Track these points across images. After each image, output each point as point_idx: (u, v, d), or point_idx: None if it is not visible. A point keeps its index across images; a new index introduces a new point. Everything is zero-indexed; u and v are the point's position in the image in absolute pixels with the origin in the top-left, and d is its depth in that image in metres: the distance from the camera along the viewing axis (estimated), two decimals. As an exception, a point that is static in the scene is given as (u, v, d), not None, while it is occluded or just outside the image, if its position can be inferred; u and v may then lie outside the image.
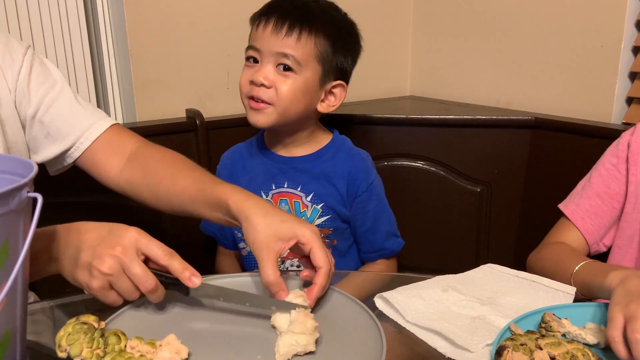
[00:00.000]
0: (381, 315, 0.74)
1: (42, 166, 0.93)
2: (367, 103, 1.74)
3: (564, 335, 0.67)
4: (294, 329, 0.65)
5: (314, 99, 1.08)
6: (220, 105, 1.50)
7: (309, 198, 1.12)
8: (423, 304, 0.75)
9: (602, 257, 0.99)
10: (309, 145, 1.14)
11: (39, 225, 0.54)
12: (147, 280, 0.67)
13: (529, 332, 0.66)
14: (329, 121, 1.49)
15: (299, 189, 1.12)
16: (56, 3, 1.33)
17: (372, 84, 1.79)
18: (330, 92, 1.10)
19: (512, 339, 0.63)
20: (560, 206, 1.03)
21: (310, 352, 0.64)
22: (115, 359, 0.59)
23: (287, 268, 1.14)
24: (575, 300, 0.77)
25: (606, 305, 0.71)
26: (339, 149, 1.15)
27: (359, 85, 1.76)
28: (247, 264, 1.20)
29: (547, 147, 1.39)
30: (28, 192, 0.54)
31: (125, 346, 0.62)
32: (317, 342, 0.65)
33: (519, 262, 1.04)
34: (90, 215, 0.74)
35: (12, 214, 0.53)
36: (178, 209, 0.87)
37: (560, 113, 1.43)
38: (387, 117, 1.50)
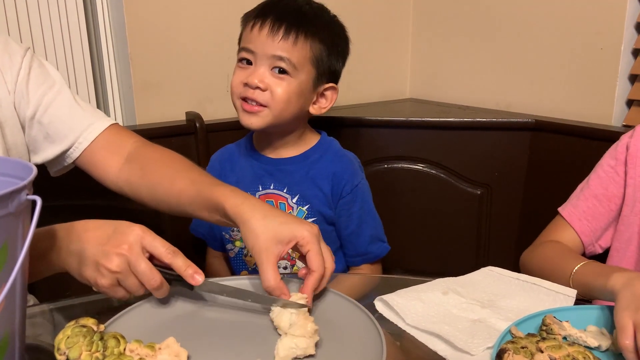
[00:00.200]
0: (381, 318, 0.74)
1: (41, 168, 0.93)
2: (367, 106, 1.74)
3: (564, 338, 0.67)
4: (293, 331, 0.64)
5: (307, 101, 1.09)
6: (220, 108, 1.50)
7: (294, 200, 1.12)
8: (423, 306, 0.75)
9: (598, 258, 0.98)
10: (297, 146, 1.15)
11: (38, 227, 0.54)
12: (153, 278, 0.67)
13: (529, 335, 0.66)
14: (329, 124, 1.49)
15: (285, 191, 1.12)
16: (56, 6, 1.33)
17: (372, 86, 1.79)
18: (322, 95, 1.12)
19: (512, 342, 0.63)
20: (559, 209, 1.03)
21: (310, 356, 0.64)
22: (114, 362, 0.59)
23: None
24: (576, 303, 0.76)
25: (608, 309, 0.71)
26: (326, 151, 1.15)
27: (359, 88, 1.77)
28: (235, 265, 1.20)
29: (547, 149, 1.39)
30: (27, 194, 0.54)
31: (125, 349, 0.62)
32: (317, 345, 0.65)
33: (519, 264, 1.03)
34: (89, 217, 0.74)
35: (11, 217, 0.53)
36: (176, 209, 0.87)
37: (560, 115, 1.43)
38: (387, 120, 1.50)
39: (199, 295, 0.75)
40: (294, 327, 0.65)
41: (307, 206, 1.12)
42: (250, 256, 1.16)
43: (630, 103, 1.35)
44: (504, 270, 0.85)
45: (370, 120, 1.51)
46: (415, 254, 1.55)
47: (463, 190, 1.49)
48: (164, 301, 0.73)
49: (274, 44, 1.02)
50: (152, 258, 0.69)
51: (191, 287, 0.71)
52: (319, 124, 1.45)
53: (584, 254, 0.99)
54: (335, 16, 1.14)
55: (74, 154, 0.92)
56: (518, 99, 1.55)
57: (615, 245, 0.97)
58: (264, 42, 1.03)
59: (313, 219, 1.12)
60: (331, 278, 0.76)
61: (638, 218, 0.94)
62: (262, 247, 0.71)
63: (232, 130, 1.28)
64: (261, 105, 1.04)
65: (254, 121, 1.05)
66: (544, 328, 0.67)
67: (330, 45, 1.08)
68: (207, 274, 0.71)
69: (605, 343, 0.67)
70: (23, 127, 0.89)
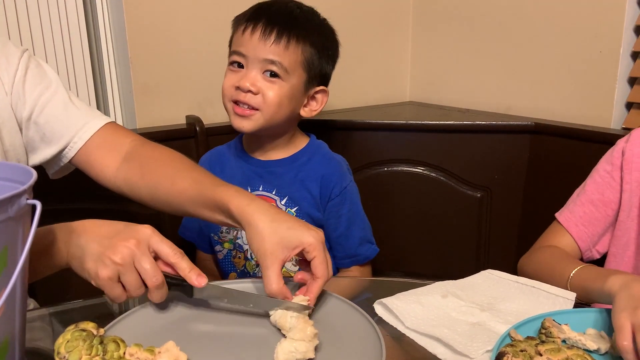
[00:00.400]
0: (380, 322, 0.74)
1: (41, 172, 0.93)
2: (367, 109, 1.74)
3: (564, 341, 0.67)
4: (293, 335, 0.64)
5: (298, 104, 1.10)
6: (220, 111, 1.48)
7: (283, 201, 1.12)
8: (422, 310, 0.75)
9: (596, 263, 0.98)
10: (287, 149, 1.15)
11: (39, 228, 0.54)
12: (155, 275, 0.67)
13: (528, 338, 0.66)
14: (329, 127, 1.50)
15: (274, 192, 1.13)
16: (57, 10, 1.34)
17: (371, 89, 1.80)
18: (313, 97, 1.12)
19: (512, 345, 0.63)
20: (556, 214, 1.03)
21: (310, 359, 0.64)
22: (114, 366, 0.59)
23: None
24: (575, 306, 0.76)
25: (607, 312, 0.71)
26: (314, 153, 1.16)
27: (359, 91, 1.77)
28: (224, 266, 1.20)
29: (547, 152, 1.39)
30: (27, 199, 0.54)
31: (124, 353, 0.62)
32: (316, 349, 0.65)
33: (517, 269, 1.03)
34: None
35: (11, 221, 0.53)
36: (177, 209, 0.86)
37: (560, 118, 1.43)
38: (387, 123, 1.51)
39: (198, 300, 0.75)
40: (294, 331, 0.65)
41: (295, 208, 1.12)
42: (239, 258, 1.17)
43: (629, 106, 1.35)
44: (503, 274, 0.85)
45: (371, 124, 1.51)
46: (415, 256, 1.55)
47: (463, 193, 1.50)
48: (164, 305, 0.73)
49: (265, 48, 1.03)
50: (155, 261, 0.69)
51: (190, 294, 0.71)
52: (319, 127, 1.45)
53: (581, 260, 0.99)
54: (325, 19, 1.15)
55: (70, 154, 0.91)
56: (518, 102, 1.55)
57: (612, 251, 0.97)
58: (255, 46, 1.03)
59: None
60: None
61: (635, 223, 0.94)
62: (267, 251, 0.71)
63: (231, 133, 1.28)
64: (253, 108, 1.05)
65: (245, 124, 1.06)
66: (543, 331, 0.67)
67: (321, 48, 1.09)
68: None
69: (604, 346, 0.67)
70: (20, 129, 0.89)
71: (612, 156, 0.98)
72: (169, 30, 1.42)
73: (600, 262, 1.00)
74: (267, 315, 0.71)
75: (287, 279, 0.75)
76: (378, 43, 1.78)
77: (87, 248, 0.69)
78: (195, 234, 1.23)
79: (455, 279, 0.84)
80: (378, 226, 1.28)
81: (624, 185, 0.95)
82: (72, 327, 0.62)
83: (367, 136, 1.51)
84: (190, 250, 1.28)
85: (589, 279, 0.82)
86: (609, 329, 0.69)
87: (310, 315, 0.71)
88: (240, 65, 1.06)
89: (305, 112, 1.12)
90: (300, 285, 0.75)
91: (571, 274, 0.85)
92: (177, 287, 0.71)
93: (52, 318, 0.79)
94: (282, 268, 0.72)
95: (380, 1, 1.75)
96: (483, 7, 1.60)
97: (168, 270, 0.70)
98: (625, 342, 0.61)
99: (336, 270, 1.18)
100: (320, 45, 1.08)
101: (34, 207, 0.54)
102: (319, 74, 1.10)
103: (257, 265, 1.15)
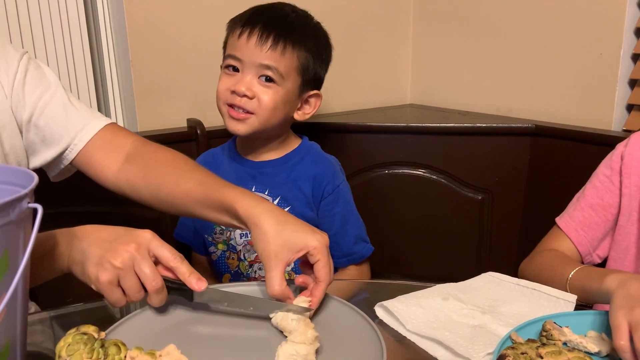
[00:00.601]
0: (381, 324, 0.74)
1: (42, 175, 0.93)
2: (368, 111, 1.74)
3: (565, 343, 0.67)
4: (294, 338, 0.64)
5: (292, 108, 1.12)
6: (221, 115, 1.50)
7: (276, 202, 1.13)
8: (423, 312, 0.75)
9: (598, 268, 0.98)
10: (279, 150, 1.17)
11: (39, 234, 0.54)
12: (155, 280, 0.67)
13: (529, 340, 0.66)
14: (329, 130, 1.50)
15: (266, 193, 1.14)
16: (58, 14, 1.34)
17: (372, 92, 1.80)
18: (306, 101, 1.14)
19: (512, 348, 0.63)
20: (556, 219, 1.03)
21: (311, 362, 0.64)
22: (115, 369, 0.59)
23: (256, 272, 1.15)
24: (577, 309, 0.76)
25: (608, 314, 0.71)
26: (306, 154, 1.17)
27: (360, 94, 1.77)
28: (218, 268, 1.20)
29: (548, 154, 1.39)
30: (28, 202, 0.54)
31: (125, 356, 0.62)
32: (317, 351, 0.65)
33: (518, 273, 1.03)
34: (90, 224, 0.74)
35: (13, 225, 0.53)
36: (180, 210, 0.86)
37: (561, 120, 1.43)
38: (388, 126, 1.51)
39: (198, 304, 0.75)
40: (295, 334, 0.65)
41: (288, 208, 1.13)
42: (233, 259, 1.17)
43: (630, 108, 1.35)
44: (504, 276, 0.85)
45: (371, 126, 1.51)
46: (416, 259, 1.55)
47: (464, 196, 1.50)
48: (165, 308, 0.73)
49: (262, 53, 1.04)
50: (155, 265, 0.69)
51: (190, 298, 0.71)
52: (319, 131, 1.46)
53: (582, 264, 0.99)
54: (318, 23, 1.16)
55: (70, 156, 0.91)
56: (518, 104, 1.55)
57: (612, 255, 0.97)
58: (252, 51, 1.04)
59: None
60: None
61: (635, 227, 0.93)
62: (272, 252, 0.71)
63: (232, 136, 1.28)
64: (248, 112, 1.06)
65: (240, 128, 1.07)
66: (544, 334, 0.67)
67: (316, 53, 1.10)
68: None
69: (605, 348, 0.67)
70: (21, 131, 0.89)
71: (611, 160, 0.98)
72: (169, 34, 1.42)
73: (601, 266, 1.00)
74: (268, 318, 0.71)
75: (288, 281, 0.75)
76: (379, 46, 1.78)
77: (88, 252, 0.69)
78: (190, 236, 1.23)
79: (456, 282, 0.84)
80: (379, 229, 1.29)
81: (623, 189, 0.94)
82: (73, 330, 0.63)
83: (368, 139, 1.51)
84: (186, 252, 1.29)
85: (587, 279, 0.82)
86: (610, 332, 0.69)
87: (311, 318, 0.71)
88: (236, 69, 1.07)
89: (298, 116, 1.14)
90: (301, 288, 0.75)
91: (570, 275, 0.86)
92: (177, 291, 0.71)
93: (53, 321, 0.79)
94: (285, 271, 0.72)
95: (381, 4, 1.75)
96: (483, 10, 1.60)
97: (168, 274, 0.70)
98: (622, 342, 0.61)
99: (334, 270, 1.18)
100: (315, 51, 1.10)
101: (35, 210, 0.54)
102: (313, 78, 1.11)
103: (250, 266, 1.16)
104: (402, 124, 1.51)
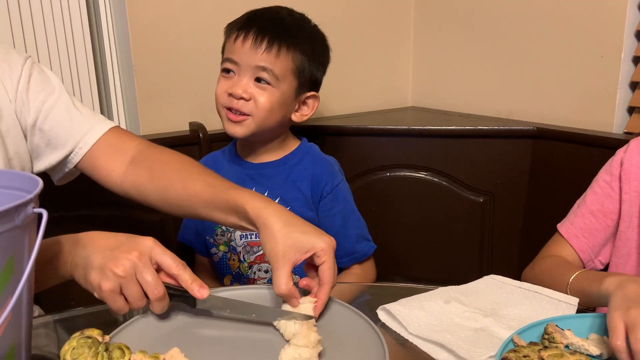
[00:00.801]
0: (384, 327, 0.74)
1: (46, 179, 0.94)
2: (369, 114, 1.75)
3: (567, 346, 0.67)
4: (297, 342, 0.65)
5: (289, 109, 1.13)
6: (223, 117, 1.51)
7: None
8: (425, 315, 0.75)
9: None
10: (278, 151, 1.18)
11: (44, 238, 0.54)
12: (157, 288, 0.68)
13: (532, 343, 0.66)
14: (330, 133, 1.50)
15: (265, 194, 1.14)
16: (61, 18, 1.35)
17: (373, 95, 1.80)
18: (304, 103, 1.15)
19: (515, 351, 0.63)
20: (558, 225, 1.03)
21: (314, 365, 0.64)
22: (119, 372, 0.60)
23: (255, 273, 1.16)
24: (578, 311, 0.76)
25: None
26: (305, 155, 1.18)
27: (361, 96, 1.78)
28: (219, 269, 1.21)
29: (549, 156, 1.39)
30: (33, 207, 0.55)
31: (129, 359, 0.62)
32: (320, 355, 0.65)
33: (520, 280, 1.03)
34: (94, 229, 0.74)
35: (18, 230, 0.53)
36: (188, 211, 0.87)
37: (562, 123, 1.43)
38: (389, 128, 1.51)
39: (201, 310, 0.75)
40: (298, 337, 0.65)
41: (288, 208, 1.12)
42: (234, 260, 1.18)
43: (631, 110, 1.35)
44: (506, 279, 0.86)
45: (372, 129, 1.51)
46: (418, 262, 1.55)
47: (465, 198, 1.50)
48: (168, 312, 0.74)
49: (257, 56, 1.06)
50: (157, 273, 0.69)
51: (193, 304, 0.71)
52: (321, 133, 1.46)
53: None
54: (316, 26, 1.17)
55: (75, 159, 0.92)
56: (519, 107, 1.55)
57: (614, 261, 0.97)
58: (247, 54, 1.06)
59: None
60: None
61: (635, 233, 0.94)
62: (280, 252, 0.72)
63: (234, 140, 1.28)
64: (245, 114, 1.07)
65: (238, 130, 1.09)
66: (546, 337, 0.67)
67: (312, 55, 1.11)
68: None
69: (607, 351, 0.67)
70: (25, 135, 0.89)
71: (611, 166, 0.98)
72: (172, 38, 1.42)
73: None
74: (272, 325, 0.71)
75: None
76: (380, 48, 1.78)
77: (90, 260, 0.69)
78: (193, 238, 1.24)
79: (458, 284, 0.84)
80: (380, 231, 1.29)
81: (623, 195, 0.94)
82: (77, 334, 0.63)
83: (369, 141, 1.52)
84: (190, 254, 1.29)
85: (586, 282, 0.83)
86: (612, 334, 0.69)
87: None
88: (233, 72, 1.09)
89: (296, 117, 1.15)
90: (305, 292, 0.76)
91: (570, 280, 0.86)
92: (180, 298, 0.71)
93: (57, 325, 0.80)
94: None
95: (382, 6, 1.76)
96: (485, 12, 1.60)
97: (171, 281, 0.71)
98: (619, 342, 0.62)
99: (338, 270, 1.19)
100: (310, 53, 1.11)
101: (40, 215, 0.54)
102: (309, 80, 1.12)
103: (250, 267, 1.16)
104: (404, 127, 1.51)
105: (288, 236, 0.72)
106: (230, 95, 1.08)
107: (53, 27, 1.34)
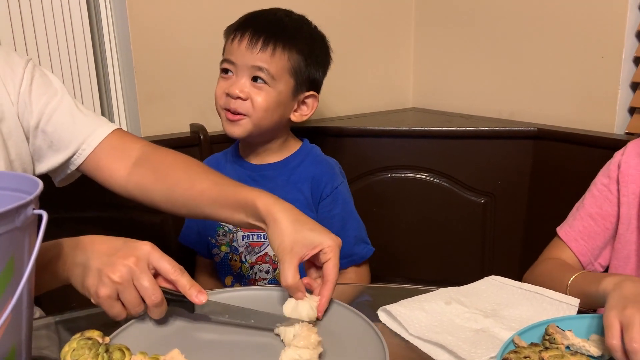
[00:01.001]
0: (384, 328, 0.74)
1: (47, 180, 0.94)
2: (370, 115, 1.75)
3: (567, 347, 0.67)
4: (297, 343, 0.65)
5: (287, 109, 1.13)
6: (224, 119, 1.51)
7: None
8: (426, 316, 0.75)
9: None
10: (280, 153, 1.18)
11: (44, 240, 0.54)
12: (154, 294, 0.67)
13: (532, 344, 0.66)
14: (331, 134, 1.50)
15: None
16: (62, 20, 1.35)
17: (374, 96, 1.80)
18: (303, 102, 1.15)
19: (515, 352, 0.63)
20: (557, 229, 1.03)
21: (314, 367, 0.64)
22: (119, 374, 0.60)
23: (256, 273, 1.16)
24: (579, 312, 0.76)
25: (610, 317, 0.71)
26: (306, 156, 1.18)
27: (362, 97, 1.78)
28: (220, 269, 1.21)
29: (550, 157, 1.39)
30: (33, 209, 0.55)
31: (130, 361, 0.62)
32: (320, 356, 0.65)
33: (524, 273, 1.04)
34: (94, 230, 0.74)
35: (18, 231, 0.53)
36: (193, 211, 0.88)
37: (563, 123, 1.43)
38: (390, 130, 1.51)
39: (199, 316, 0.75)
40: (298, 339, 0.65)
41: None
42: (235, 260, 1.18)
43: (632, 111, 1.35)
44: (507, 280, 0.85)
45: (374, 130, 1.52)
46: (419, 263, 1.55)
47: (467, 199, 1.50)
48: (169, 314, 0.74)
49: (253, 55, 1.07)
50: (155, 278, 0.69)
51: (192, 309, 0.71)
52: (322, 134, 1.46)
53: None
54: (315, 27, 1.17)
55: (78, 161, 0.92)
56: (521, 108, 1.55)
57: (613, 264, 0.97)
58: (243, 54, 1.07)
59: None
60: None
61: (634, 235, 0.94)
62: (287, 247, 0.73)
63: (234, 142, 1.29)
64: (242, 114, 1.08)
65: (235, 130, 1.10)
66: (547, 337, 0.67)
67: (309, 55, 1.11)
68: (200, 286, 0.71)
69: (608, 352, 0.67)
70: (27, 138, 0.89)
71: (608, 169, 0.98)
72: (172, 40, 1.43)
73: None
74: (273, 326, 0.71)
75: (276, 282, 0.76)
76: (381, 50, 1.79)
77: (86, 266, 0.69)
78: (194, 239, 1.24)
79: (459, 285, 0.84)
80: (381, 232, 1.29)
81: (621, 197, 0.95)
82: (77, 335, 0.63)
83: (370, 143, 1.52)
84: (191, 255, 1.29)
85: (585, 283, 0.83)
86: (613, 335, 0.69)
87: (315, 322, 0.72)
88: (230, 73, 1.10)
89: (295, 117, 1.15)
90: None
91: (569, 281, 0.86)
92: (178, 303, 0.71)
93: (58, 326, 0.80)
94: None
95: (383, 7, 1.76)
96: (485, 13, 1.60)
97: (169, 286, 0.70)
98: (614, 341, 0.62)
99: None
100: (307, 52, 1.11)
101: (40, 217, 0.54)
102: (307, 79, 1.13)
103: (251, 267, 1.17)
104: (405, 128, 1.51)
105: (296, 232, 0.74)
106: (227, 95, 1.09)
107: (54, 29, 1.35)
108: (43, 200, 0.57)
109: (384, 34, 1.79)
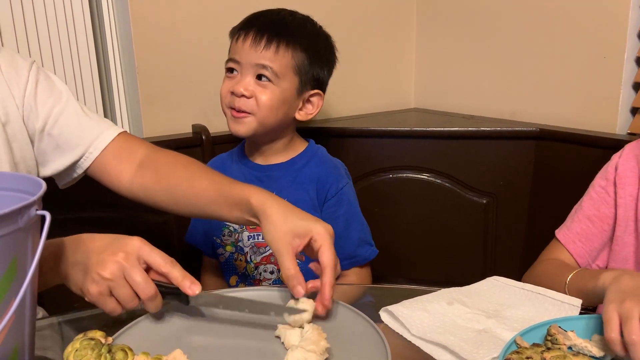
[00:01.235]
0: (386, 329, 0.74)
1: (50, 181, 0.94)
2: (372, 116, 1.75)
3: (570, 347, 0.67)
4: (305, 345, 0.64)
5: (292, 107, 1.13)
6: (226, 120, 1.51)
7: None
8: (428, 317, 0.75)
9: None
10: (285, 153, 1.18)
11: (46, 240, 0.54)
12: (147, 287, 0.68)
13: (534, 345, 0.66)
14: (333, 134, 1.50)
15: None
16: (64, 21, 1.35)
17: (376, 96, 1.80)
18: (308, 101, 1.15)
19: (517, 352, 0.63)
20: (556, 231, 1.03)
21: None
22: (122, 374, 0.60)
23: (261, 274, 1.16)
24: (582, 313, 0.76)
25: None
26: (312, 157, 1.19)
27: (364, 98, 1.78)
28: (225, 269, 1.21)
29: (552, 157, 1.39)
30: (36, 210, 0.55)
31: (132, 361, 0.62)
32: (324, 360, 0.65)
33: (522, 277, 1.04)
34: (96, 230, 0.75)
35: (21, 232, 0.54)
36: (195, 210, 0.90)
37: (565, 124, 1.43)
38: (392, 130, 1.51)
39: (199, 309, 0.75)
40: (307, 341, 0.65)
41: None
42: (240, 260, 1.18)
43: (634, 111, 1.35)
44: (509, 280, 0.85)
45: (376, 131, 1.52)
46: (420, 263, 1.55)
47: (469, 200, 1.50)
48: (171, 314, 0.74)
49: (256, 54, 1.07)
50: (147, 272, 0.69)
51: (186, 301, 0.71)
52: (324, 135, 1.46)
53: None
54: (320, 27, 1.18)
55: (85, 164, 0.93)
56: (522, 108, 1.55)
57: (611, 265, 0.97)
58: (247, 52, 1.08)
59: None
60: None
61: (632, 237, 0.94)
62: (280, 239, 0.75)
63: (237, 142, 1.29)
64: (247, 112, 1.09)
65: (240, 128, 1.10)
66: (549, 338, 0.67)
67: (313, 53, 1.12)
68: (205, 285, 0.72)
69: (610, 353, 0.67)
70: (32, 141, 0.90)
71: (606, 171, 0.99)
72: (175, 41, 1.43)
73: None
74: (274, 328, 0.71)
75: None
76: (382, 50, 1.79)
77: (78, 265, 0.69)
78: (200, 239, 1.25)
79: (461, 286, 0.84)
80: (383, 233, 1.29)
81: (619, 200, 0.95)
82: (80, 335, 0.63)
83: (372, 143, 1.52)
84: (197, 255, 1.29)
85: (583, 280, 0.83)
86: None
87: (315, 320, 0.72)
88: (235, 72, 1.10)
89: (300, 116, 1.15)
90: (313, 294, 0.75)
91: (568, 279, 0.87)
92: (172, 296, 0.71)
93: (61, 327, 0.80)
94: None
95: (384, 8, 1.76)
96: (487, 13, 1.60)
97: (161, 279, 0.71)
98: (613, 335, 0.63)
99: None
100: (311, 50, 1.11)
101: (43, 217, 0.55)
102: (312, 78, 1.13)
103: (256, 267, 1.17)
104: (406, 128, 1.51)
105: (286, 223, 0.75)
106: (232, 94, 1.09)
107: (56, 30, 1.35)
108: (46, 201, 0.58)
109: (385, 35, 1.79)
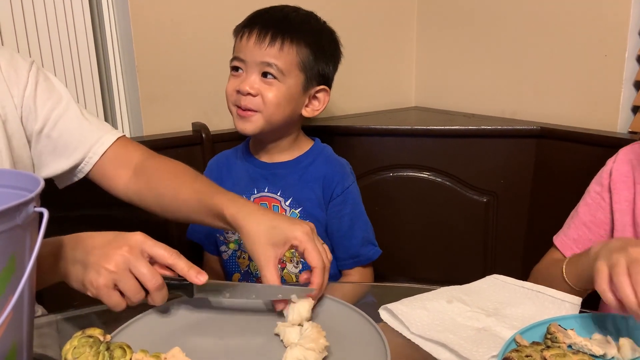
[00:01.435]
0: (386, 327, 0.74)
1: (48, 180, 0.94)
2: (372, 114, 1.75)
3: (569, 346, 0.67)
4: (304, 343, 0.64)
5: (299, 104, 1.13)
6: (226, 118, 1.50)
7: (287, 202, 1.14)
8: (428, 315, 0.75)
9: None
10: (291, 151, 1.18)
11: (45, 238, 0.54)
12: (154, 278, 0.68)
13: (534, 343, 0.66)
14: (335, 132, 1.50)
15: (278, 194, 1.15)
16: (64, 21, 1.35)
17: (377, 95, 1.80)
18: (314, 97, 1.15)
19: (517, 351, 0.63)
20: (554, 238, 1.03)
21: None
22: (120, 372, 0.60)
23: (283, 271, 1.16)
24: (581, 312, 0.76)
25: (613, 317, 0.71)
26: (318, 156, 1.18)
27: (365, 96, 1.78)
28: (228, 267, 1.21)
29: (553, 156, 1.39)
30: (34, 207, 0.55)
31: (131, 359, 0.62)
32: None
33: (526, 272, 1.03)
34: (94, 228, 0.74)
35: (19, 229, 0.53)
36: (183, 217, 0.92)
37: (566, 122, 1.43)
38: (393, 128, 1.51)
39: (204, 306, 0.75)
40: (306, 339, 0.65)
41: (299, 209, 1.14)
42: (244, 258, 1.19)
43: (635, 109, 1.35)
44: (509, 278, 0.85)
45: (376, 129, 1.51)
46: (421, 262, 1.55)
47: (469, 198, 1.49)
48: (170, 311, 0.74)
49: (261, 51, 1.07)
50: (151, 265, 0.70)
51: (191, 294, 0.71)
52: (324, 133, 1.46)
53: None
54: (324, 22, 1.17)
55: (86, 168, 0.94)
56: (523, 107, 1.55)
57: None
58: (252, 50, 1.07)
59: None
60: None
61: None
62: (259, 252, 0.75)
63: (237, 140, 1.29)
64: (253, 110, 1.08)
65: (247, 126, 1.10)
66: (549, 336, 0.67)
67: (317, 49, 1.11)
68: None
69: (610, 351, 0.66)
70: (29, 142, 0.90)
71: (601, 177, 0.99)
72: (174, 40, 1.43)
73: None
74: (273, 326, 0.71)
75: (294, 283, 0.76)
76: (383, 49, 1.78)
77: (81, 261, 0.69)
78: (202, 236, 1.25)
79: (460, 284, 0.84)
80: (383, 231, 1.28)
81: (614, 205, 0.95)
82: (79, 333, 0.63)
83: (372, 141, 1.52)
84: (198, 252, 1.29)
85: (577, 261, 0.86)
86: (616, 335, 0.69)
87: (315, 320, 0.72)
88: (241, 70, 1.10)
89: (307, 112, 1.15)
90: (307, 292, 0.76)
91: (563, 266, 0.88)
92: (177, 288, 0.71)
93: (59, 324, 0.80)
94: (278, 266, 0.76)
95: (385, 7, 1.76)
96: (487, 12, 1.60)
97: (165, 272, 0.71)
98: (603, 284, 0.67)
99: (338, 272, 1.19)
100: (316, 46, 1.11)
101: (41, 215, 0.55)
102: (317, 74, 1.12)
103: (282, 268, 1.17)
104: (407, 127, 1.51)
105: (262, 234, 0.76)
106: (238, 92, 1.09)
107: (56, 28, 1.35)
108: (44, 200, 0.57)
109: (386, 33, 1.78)
